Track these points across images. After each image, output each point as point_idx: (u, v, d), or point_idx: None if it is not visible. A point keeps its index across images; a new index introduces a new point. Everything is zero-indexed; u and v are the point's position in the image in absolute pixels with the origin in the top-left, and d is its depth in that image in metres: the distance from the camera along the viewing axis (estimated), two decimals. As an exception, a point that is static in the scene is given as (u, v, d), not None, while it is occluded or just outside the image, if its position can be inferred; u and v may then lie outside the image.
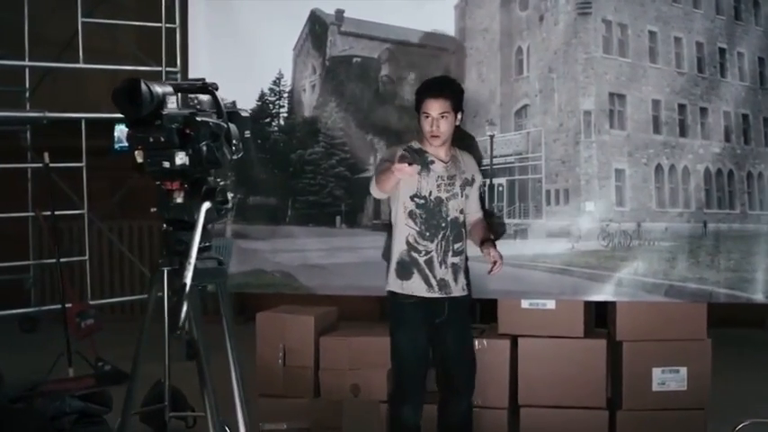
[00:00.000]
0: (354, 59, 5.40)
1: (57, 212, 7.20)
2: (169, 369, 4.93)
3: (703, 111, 4.95)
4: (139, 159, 3.09)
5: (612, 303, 5.17)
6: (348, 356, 5.32)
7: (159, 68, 7.37)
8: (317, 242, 5.40)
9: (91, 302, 7.60)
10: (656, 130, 4.99)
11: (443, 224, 4.56)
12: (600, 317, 5.37)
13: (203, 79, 3.16)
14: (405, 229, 4.56)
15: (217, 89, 3.09)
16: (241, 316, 7.67)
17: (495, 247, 4.54)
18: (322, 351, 5.40)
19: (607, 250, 4.98)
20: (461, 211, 4.63)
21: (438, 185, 4.57)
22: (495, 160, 5.16)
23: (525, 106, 5.12)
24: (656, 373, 5.03)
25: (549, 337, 5.13)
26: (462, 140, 4.93)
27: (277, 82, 5.47)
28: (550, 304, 5.13)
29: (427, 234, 4.55)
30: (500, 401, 5.17)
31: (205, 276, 3.17)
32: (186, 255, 2.94)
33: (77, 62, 7.48)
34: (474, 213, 4.76)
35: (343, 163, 5.36)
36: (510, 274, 4.94)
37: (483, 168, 5.05)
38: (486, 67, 5.20)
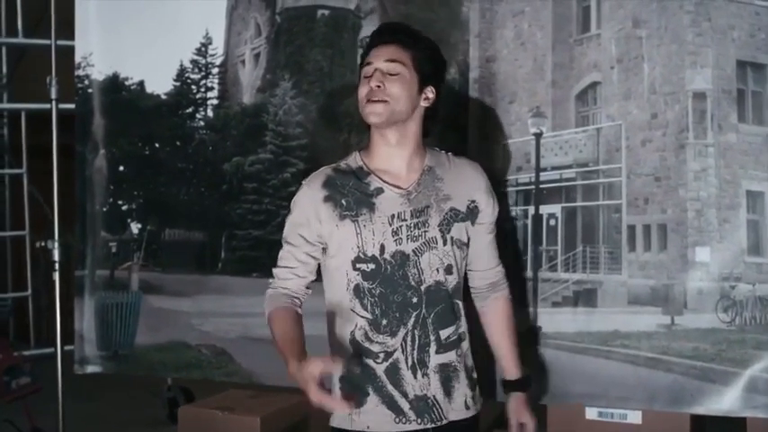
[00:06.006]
0: (320, 12, 4.20)
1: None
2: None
3: None
4: None
5: (740, 420, 3.78)
6: (313, 483, 4.10)
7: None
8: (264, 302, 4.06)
9: (30, 353, 6.65)
10: (821, 124, 3.57)
11: (414, 299, 2.76)
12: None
13: None
14: (350, 318, 2.80)
15: None
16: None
17: (525, 398, 3.00)
18: (274, 473, 4.23)
19: (732, 329, 3.63)
20: (449, 270, 2.82)
21: (395, 231, 2.75)
22: (543, 175, 3.80)
23: (594, 85, 3.78)
24: None
25: (631, 470, 3.79)
26: (484, 140, 3.68)
27: (203, 50, 4.34)
28: (634, 416, 3.87)
29: (384, 322, 2.77)
30: None
31: None
32: None
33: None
34: (485, 271, 3.00)
35: (303, 177, 3.94)
36: (568, 364, 3.78)
37: (523, 188, 3.75)
38: (530, 21, 3.83)
